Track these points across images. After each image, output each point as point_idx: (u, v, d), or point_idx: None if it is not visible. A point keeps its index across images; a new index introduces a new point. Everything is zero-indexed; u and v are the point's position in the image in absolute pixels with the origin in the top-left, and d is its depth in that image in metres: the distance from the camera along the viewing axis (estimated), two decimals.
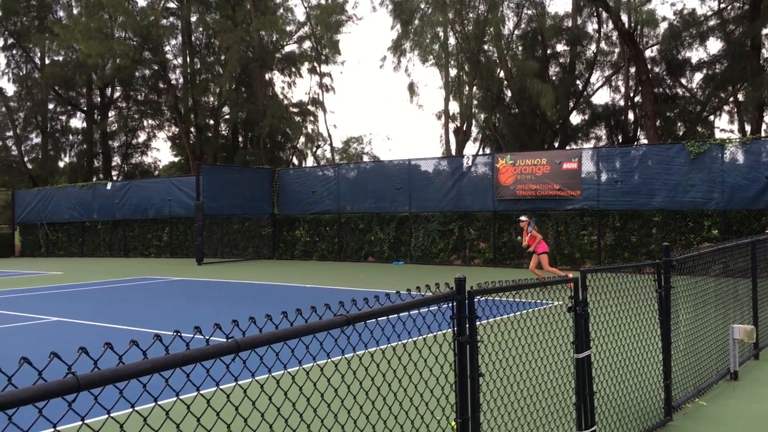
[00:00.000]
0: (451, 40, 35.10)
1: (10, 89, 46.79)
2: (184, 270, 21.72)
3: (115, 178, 45.41)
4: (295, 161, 45.48)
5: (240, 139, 46.45)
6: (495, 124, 35.86)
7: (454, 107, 38.71)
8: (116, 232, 30.80)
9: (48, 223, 32.88)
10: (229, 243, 28.19)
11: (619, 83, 38.24)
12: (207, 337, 2.22)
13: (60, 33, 38.52)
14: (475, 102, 35.94)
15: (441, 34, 34.39)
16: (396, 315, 2.93)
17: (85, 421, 1.92)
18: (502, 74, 34.48)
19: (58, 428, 1.84)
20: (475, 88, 35.86)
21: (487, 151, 37.73)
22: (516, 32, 35.98)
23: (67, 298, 14.74)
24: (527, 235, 15.38)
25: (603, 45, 36.94)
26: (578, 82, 36.83)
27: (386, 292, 3.08)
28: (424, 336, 3.33)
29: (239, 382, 2.43)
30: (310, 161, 45.60)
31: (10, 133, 46.14)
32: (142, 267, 23.44)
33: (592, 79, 37.80)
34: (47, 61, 45.11)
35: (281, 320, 2.52)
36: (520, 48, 35.94)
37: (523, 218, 15.93)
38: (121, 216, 30.13)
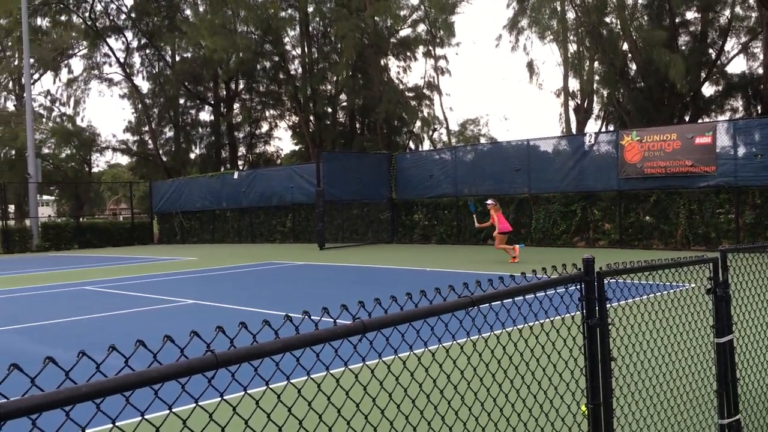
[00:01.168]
0: (570, 15, 33.87)
1: (145, 87, 49.95)
2: (307, 255, 22.41)
3: (241, 167, 47.49)
4: (412, 145, 45.69)
5: (357, 125, 47.19)
6: (618, 99, 34.34)
7: (574, 84, 37.41)
8: (243, 219, 32.24)
9: (182, 212, 34.93)
10: (349, 228, 28.78)
11: (757, 50, 35.47)
12: (335, 318, 2.25)
13: (188, 31, 40.64)
14: (596, 77, 34.58)
15: (559, 8, 33.26)
16: (521, 297, 2.85)
17: (224, 397, 2.00)
18: (625, 46, 32.94)
19: (199, 403, 1.93)
20: (596, 63, 34.47)
21: (611, 128, 36.23)
22: (641, 1, 34.19)
23: (202, 282, 15.61)
24: (494, 219, 16.95)
25: (738, 9, 34.39)
26: (711, 50, 34.53)
27: (510, 275, 3.01)
28: (552, 318, 3.23)
29: (367, 363, 2.45)
30: (426, 145, 45.68)
31: (147, 128, 49.29)
32: (268, 252, 24.41)
33: (727, 47, 35.32)
34: (177, 59, 47.74)
35: (406, 302, 2.51)
36: (645, 18, 34.11)
37: (490, 201, 17.59)
38: (247, 204, 31.49)
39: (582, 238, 21.78)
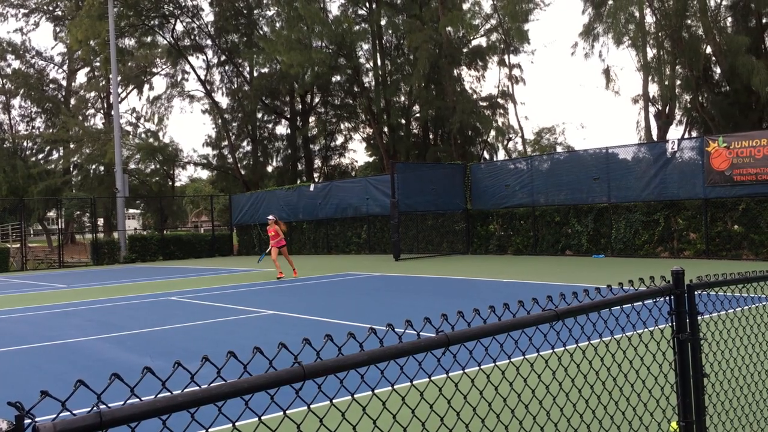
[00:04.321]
0: (648, 18, 32.94)
1: (224, 102, 51.52)
2: (383, 266, 22.51)
3: (316, 179, 48.25)
4: (487, 155, 45.32)
5: (431, 136, 47.20)
6: (702, 104, 33.10)
7: (653, 90, 36.30)
8: (319, 231, 32.71)
9: (260, 224, 35.72)
10: (424, 239, 28.77)
11: None
12: (418, 331, 2.25)
13: (265, 47, 41.72)
14: (678, 82, 33.42)
15: (637, 13, 32.40)
16: (607, 309, 2.78)
17: (311, 408, 2.03)
18: (708, 50, 31.74)
19: (287, 413, 1.96)
20: (677, 67, 33.34)
21: (694, 134, 34.94)
22: (724, 3, 32.93)
23: (280, 293, 15.90)
24: (272, 232, 19.81)
25: None
26: None
27: (595, 287, 2.94)
28: (639, 332, 3.13)
29: (449, 375, 2.44)
30: (501, 155, 45.19)
31: (226, 143, 50.80)
32: (344, 263, 24.66)
33: None
34: (255, 74, 49.06)
35: (489, 315, 2.49)
36: (728, 20, 32.83)
37: (271, 217, 20.50)
38: (323, 215, 31.94)
39: (666, 248, 21.05)
